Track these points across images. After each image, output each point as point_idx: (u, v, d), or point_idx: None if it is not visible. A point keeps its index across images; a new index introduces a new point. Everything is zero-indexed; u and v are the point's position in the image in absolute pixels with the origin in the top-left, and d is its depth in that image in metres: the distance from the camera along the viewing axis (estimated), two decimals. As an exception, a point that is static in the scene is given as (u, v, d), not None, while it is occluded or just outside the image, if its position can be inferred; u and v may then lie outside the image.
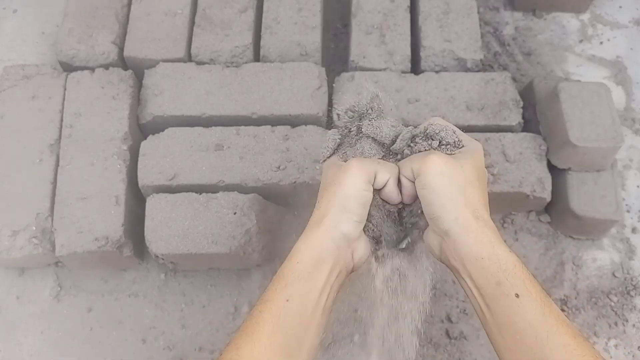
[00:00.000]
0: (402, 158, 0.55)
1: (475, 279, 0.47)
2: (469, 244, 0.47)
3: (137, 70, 0.93)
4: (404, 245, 0.57)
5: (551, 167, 0.87)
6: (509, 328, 0.44)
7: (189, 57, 0.94)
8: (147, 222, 0.81)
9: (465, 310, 0.85)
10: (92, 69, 0.91)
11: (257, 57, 0.96)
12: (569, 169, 0.87)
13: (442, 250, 0.50)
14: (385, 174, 0.52)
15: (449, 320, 0.84)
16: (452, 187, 0.48)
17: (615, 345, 0.84)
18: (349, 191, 0.50)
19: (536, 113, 0.92)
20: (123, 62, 0.95)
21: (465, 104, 0.90)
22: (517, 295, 0.44)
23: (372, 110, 0.56)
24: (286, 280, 0.49)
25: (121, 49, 0.94)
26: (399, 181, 0.53)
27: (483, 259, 0.46)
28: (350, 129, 0.58)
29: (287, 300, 0.48)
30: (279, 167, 0.84)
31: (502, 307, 0.45)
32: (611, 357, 0.83)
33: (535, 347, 0.43)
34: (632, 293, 0.87)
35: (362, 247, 0.53)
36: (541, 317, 0.44)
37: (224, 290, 0.87)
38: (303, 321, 0.49)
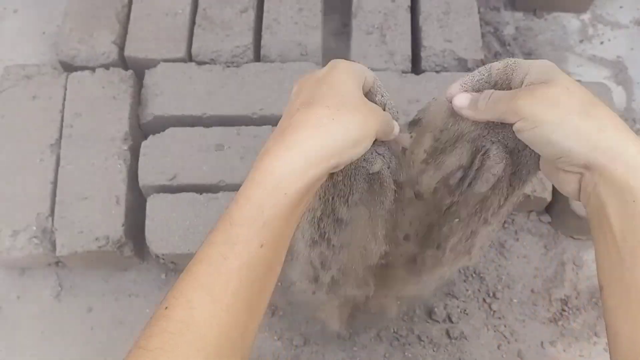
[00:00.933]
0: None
1: (618, 225, 0.39)
2: (618, 179, 0.38)
3: (137, 70, 0.93)
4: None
5: (552, 167, 0.87)
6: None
7: (189, 57, 0.94)
8: (148, 222, 0.81)
9: (465, 310, 0.85)
10: (93, 69, 0.91)
11: (257, 57, 0.96)
12: (570, 169, 0.87)
13: (584, 189, 0.41)
14: (388, 127, 0.43)
15: (449, 320, 0.84)
16: (573, 109, 0.39)
17: (616, 346, 0.84)
18: (346, 88, 0.41)
19: (537, 113, 0.92)
20: (124, 62, 0.95)
21: (465, 104, 0.90)
22: None
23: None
24: (264, 218, 0.37)
25: (122, 49, 0.94)
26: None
27: (635, 202, 0.37)
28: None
29: (262, 246, 0.37)
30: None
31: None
32: (612, 358, 0.83)
33: None
34: (632, 293, 0.87)
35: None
36: None
37: (225, 290, 0.87)
38: (272, 268, 0.39)
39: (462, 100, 0.46)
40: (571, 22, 1.11)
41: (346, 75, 0.43)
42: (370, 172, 0.46)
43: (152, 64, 0.92)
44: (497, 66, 0.45)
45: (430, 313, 0.84)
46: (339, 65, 0.43)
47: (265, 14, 0.96)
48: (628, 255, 0.38)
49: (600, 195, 0.39)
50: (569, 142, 0.38)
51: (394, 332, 0.83)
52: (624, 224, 0.38)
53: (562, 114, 0.38)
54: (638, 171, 0.37)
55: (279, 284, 0.86)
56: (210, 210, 0.81)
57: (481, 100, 0.44)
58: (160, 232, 0.80)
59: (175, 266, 0.86)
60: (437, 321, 0.84)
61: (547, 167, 0.45)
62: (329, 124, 0.39)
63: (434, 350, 0.82)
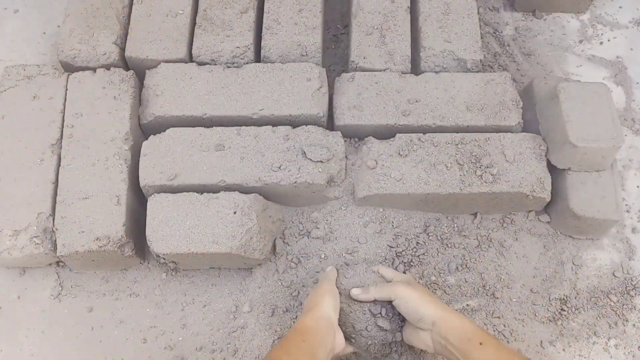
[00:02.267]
0: None
1: (456, 343, 0.67)
2: (448, 322, 0.69)
3: (138, 71, 0.93)
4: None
5: (551, 167, 0.88)
6: None
7: (190, 58, 0.95)
8: (149, 222, 0.81)
9: (465, 309, 0.85)
10: (94, 69, 0.91)
11: (257, 58, 0.96)
12: (569, 169, 0.87)
13: (433, 340, 0.70)
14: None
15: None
16: (423, 296, 0.72)
17: (615, 345, 0.84)
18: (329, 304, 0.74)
19: (536, 113, 0.92)
20: (124, 63, 0.95)
21: (465, 104, 0.90)
22: (480, 343, 0.66)
23: None
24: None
25: (122, 50, 0.94)
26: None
27: (457, 327, 0.69)
28: None
29: None
30: (279, 167, 0.84)
31: (476, 356, 0.66)
32: (611, 357, 0.83)
33: None
34: (631, 293, 0.87)
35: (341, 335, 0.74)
36: (496, 353, 0.66)
37: (225, 290, 0.87)
38: None
39: (356, 290, 0.77)
40: (571, 22, 1.11)
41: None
42: None
43: (152, 64, 0.92)
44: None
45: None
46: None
47: (265, 15, 0.97)
48: (466, 353, 0.67)
49: (444, 335, 0.69)
50: (425, 310, 0.71)
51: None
52: (456, 339, 0.68)
53: (419, 295, 0.72)
54: (453, 319, 0.70)
55: (279, 282, 0.86)
56: (211, 210, 0.81)
57: (371, 287, 0.76)
58: (161, 232, 0.80)
59: (175, 265, 0.86)
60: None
61: (408, 331, 0.75)
62: None
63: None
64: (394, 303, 0.74)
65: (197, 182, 0.84)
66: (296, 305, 0.85)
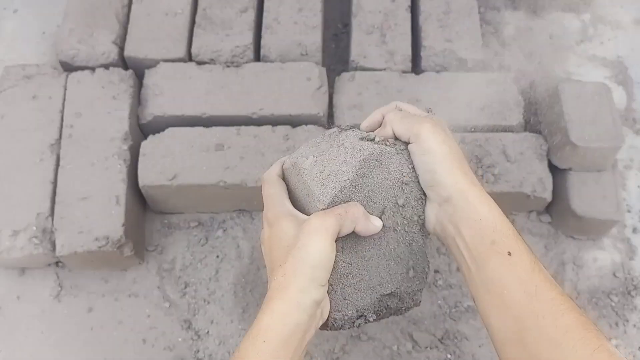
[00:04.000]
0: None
1: (470, 240, 0.48)
2: (468, 207, 0.49)
3: (137, 70, 0.93)
4: None
5: (552, 167, 0.87)
6: (497, 284, 0.46)
7: (189, 57, 0.94)
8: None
9: (465, 309, 0.85)
10: (93, 69, 0.91)
11: (257, 57, 0.96)
12: (570, 169, 0.87)
13: (437, 218, 0.51)
14: (350, 224, 0.48)
15: (449, 320, 0.84)
16: (451, 155, 0.50)
17: (616, 346, 0.84)
18: (317, 259, 0.46)
19: (537, 113, 0.92)
20: (123, 62, 0.95)
21: (465, 104, 0.90)
22: (509, 253, 0.46)
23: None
24: None
25: (122, 49, 0.94)
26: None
27: (480, 220, 0.48)
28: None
29: None
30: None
31: (493, 265, 0.46)
32: (612, 358, 0.83)
33: (522, 301, 0.45)
34: (632, 293, 0.87)
35: (327, 302, 0.51)
36: (530, 274, 0.46)
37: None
38: None
39: (366, 122, 0.57)
40: (571, 22, 1.11)
41: (318, 244, 0.47)
42: None
43: (152, 63, 0.92)
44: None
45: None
46: (312, 231, 0.47)
47: (265, 14, 0.96)
48: (479, 260, 0.47)
49: (455, 221, 0.49)
50: (445, 175, 0.49)
51: (393, 333, 0.83)
52: (474, 238, 0.48)
53: (447, 152, 0.50)
54: (477, 203, 0.49)
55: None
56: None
57: (391, 113, 0.54)
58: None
59: (174, 266, 0.86)
60: (437, 321, 0.84)
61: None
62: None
63: (433, 350, 0.82)
64: (409, 147, 0.52)
65: (197, 182, 0.83)
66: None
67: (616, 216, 0.85)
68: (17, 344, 0.84)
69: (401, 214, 0.52)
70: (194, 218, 0.91)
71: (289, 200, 0.52)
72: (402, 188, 0.52)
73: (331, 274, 0.49)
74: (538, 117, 0.91)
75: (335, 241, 0.48)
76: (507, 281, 0.46)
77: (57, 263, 0.88)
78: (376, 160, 0.51)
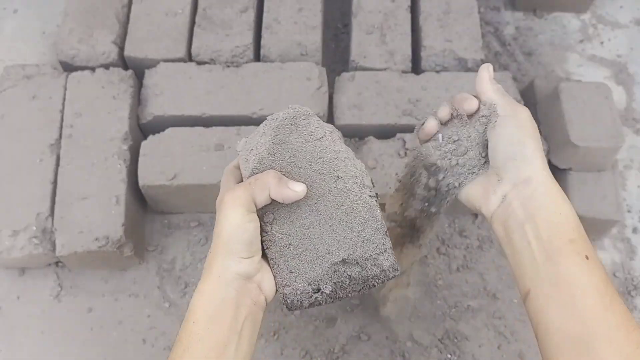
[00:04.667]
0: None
1: (545, 231, 0.46)
2: (551, 196, 0.47)
3: (137, 70, 0.93)
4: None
5: (552, 167, 0.87)
6: (571, 284, 0.44)
7: (189, 57, 0.94)
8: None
9: (465, 309, 0.85)
10: (93, 69, 0.91)
11: (257, 57, 0.96)
12: (570, 169, 0.87)
13: (504, 200, 0.48)
14: (261, 192, 0.47)
15: (449, 320, 0.84)
16: (540, 143, 0.49)
17: (616, 346, 0.84)
18: (228, 231, 0.46)
19: (537, 113, 0.92)
20: (123, 62, 0.95)
21: (465, 104, 0.90)
22: (587, 257, 0.45)
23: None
24: (184, 345, 0.45)
25: (121, 49, 0.94)
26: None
27: (561, 214, 0.46)
28: None
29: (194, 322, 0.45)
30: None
31: (570, 263, 0.45)
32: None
33: (597, 309, 0.43)
34: (632, 293, 0.87)
35: (270, 276, 0.50)
36: (606, 283, 0.44)
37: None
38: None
39: (492, 72, 0.53)
40: (571, 22, 1.11)
41: (228, 217, 0.47)
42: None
43: (152, 63, 0.92)
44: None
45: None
46: (222, 205, 0.47)
47: (265, 14, 0.96)
48: (553, 254, 0.45)
49: (530, 206, 0.47)
50: (531, 153, 0.47)
51: (392, 334, 0.83)
52: (551, 230, 0.45)
53: (537, 137, 0.48)
54: (560, 196, 0.47)
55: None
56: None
57: (492, 85, 0.52)
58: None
59: (174, 266, 0.86)
60: (437, 321, 0.84)
61: (482, 181, 0.52)
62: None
63: (434, 350, 0.82)
64: (501, 118, 0.50)
65: (197, 182, 0.83)
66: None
67: (616, 216, 0.85)
68: (17, 344, 0.84)
69: (335, 174, 0.50)
70: (194, 218, 0.91)
71: (235, 182, 0.52)
72: (329, 147, 0.50)
73: (271, 248, 0.49)
74: (538, 117, 0.91)
75: (265, 213, 0.48)
76: (583, 284, 0.44)
77: (57, 263, 0.88)
78: (291, 124, 0.51)
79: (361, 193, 0.51)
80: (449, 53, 0.94)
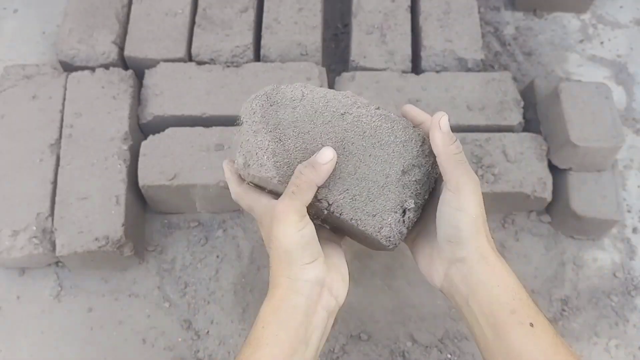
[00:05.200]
0: None
1: (487, 306, 0.46)
2: (486, 271, 0.47)
3: (137, 70, 0.93)
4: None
5: (552, 167, 0.87)
6: (521, 356, 0.44)
7: (189, 57, 0.94)
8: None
9: (465, 310, 0.85)
10: (93, 69, 0.91)
11: (257, 57, 0.96)
12: (570, 169, 0.87)
13: (447, 276, 0.50)
14: (308, 191, 0.47)
15: (449, 320, 0.84)
16: (481, 218, 0.48)
17: (616, 346, 0.84)
18: (287, 243, 0.46)
19: (537, 113, 0.92)
20: (123, 62, 0.95)
21: (466, 104, 0.90)
22: (531, 325, 0.45)
23: None
24: (252, 348, 0.46)
25: (121, 49, 0.94)
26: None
27: (499, 286, 0.47)
28: None
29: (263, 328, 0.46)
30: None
31: (515, 336, 0.45)
32: (612, 358, 0.83)
33: None
34: (632, 293, 0.87)
35: (337, 277, 0.50)
36: (555, 348, 0.44)
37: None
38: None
39: (446, 125, 0.50)
40: (571, 22, 1.11)
41: (284, 229, 0.48)
42: None
43: (152, 63, 0.92)
44: None
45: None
46: (277, 217, 0.48)
47: (265, 14, 0.96)
48: (499, 328, 0.45)
49: (470, 283, 0.47)
50: (467, 237, 0.47)
51: (392, 333, 0.83)
52: (492, 305, 0.46)
53: (477, 216, 0.47)
54: (496, 269, 0.48)
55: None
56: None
57: (453, 145, 0.49)
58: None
59: (174, 266, 0.86)
60: (437, 321, 0.84)
61: (421, 244, 0.53)
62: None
63: (434, 350, 0.82)
64: (443, 195, 0.49)
65: (197, 182, 0.83)
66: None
67: (616, 216, 0.85)
68: (17, 344, 0.84)
69: (338, 113, 0.51)
70: (194, 218, 0.91)
71: (264, 195, 0.52)
72: (315, 99, 0.52)
73: (343, 214, 0.49)
74: (538, 117, 0.91)
75: (317, 199, 0.49)
76: (532, 354, 0.44)
77: (57, 263, 0.88)
78: (270, 105, 0.52)
79: (368, 111, 0.52)
80: (449, 53, 0.94)
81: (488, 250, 0.48)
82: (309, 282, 0.47)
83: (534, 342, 0.44)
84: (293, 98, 0.52)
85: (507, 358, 0.45)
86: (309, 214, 0.48)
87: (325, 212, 0.50)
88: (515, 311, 0.45)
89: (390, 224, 0.51)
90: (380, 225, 0.50)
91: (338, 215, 0.50)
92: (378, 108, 0.53)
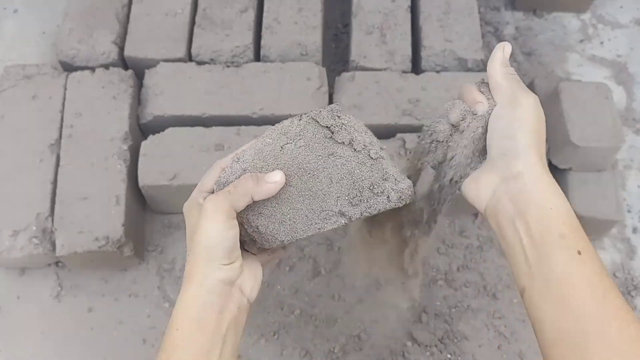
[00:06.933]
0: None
1: (535, 227, 0.44)
2: (540, 190, 0.45)
3: (137, 70, 0.93)
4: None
5: (552, 167, 0.87)
6: (563, 281, 0.43)
7: (189, 57, 0.94)
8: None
9: (465, 309, 0.85)
10: (93, 69, 0.91)
11: (257, 57, 0.96)
12: (570, 169, 0.87)
13: (495, 194, 0.47)
14: (243, 197, 0.48)
15: (449, 320, 0.84)
16: (538, 134, 0.47)
17: (616, 346, 0.84)
18: (209, 240, 0.46)
19: (537, 113, 0.92)
20: (123, 62, 0.95)
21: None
22: (579, 252, 0.43)
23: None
24: (168, 353, 0.45)
25: (121, 49, 0.94)
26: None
27: (551, 208, 0.45)
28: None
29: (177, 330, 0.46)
30: (279, 167, 0.84)
31: (561, 260, 0.43)
32: (612, 358, 0.83)
33: (589, 304, 0.42)
34: (632, 293, 0.87)
35: (250, 278, 0.50)
36: (599, 277, 0.43)
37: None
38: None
39: (508, 52, 0.51)
40: (571, 22, 1.11)
41: (209, 224, 0.47)
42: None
43: (152, 63, 0.92)
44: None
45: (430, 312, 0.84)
46: (204, 213, 0.47)
47: (265, 14, 0.96)
48: (544, 251, 0.44)
49: (519, 201, 0.45)
50: (523, 149, 0.46)
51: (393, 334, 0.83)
52: (541, 226, 0.44)
53: (535, 131, 0.47)
54: (550, 190, 0.46)
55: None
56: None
57: (511, 68, 0.50)
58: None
59: (174, 266, 0.86)
60: (437, 321, 0.84)
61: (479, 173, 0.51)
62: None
63: (433, 350, 0.82)
64: (497, 108, 0.49)
65: (197, 182, 0.83)
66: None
67: (616, 216, 0.85)
68: (17, 344, 0.84)
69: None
70: (194, 218, 0.91)
71: (203, 194, 0.52)
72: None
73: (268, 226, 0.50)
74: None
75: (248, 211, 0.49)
76: (575, 280, 0.43)
77: (57, 263, 0.88)
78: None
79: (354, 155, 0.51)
80: (449, 53, 0.94)
81: (543, 171, 0.46)
82: (221, 281, 0.47)
83: (578, 269, 0.43)
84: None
85: (548, 282, 0.44)
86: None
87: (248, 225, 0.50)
88: (565, 236, 0.44)
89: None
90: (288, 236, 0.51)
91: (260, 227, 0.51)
92: (382, 149, 0.51)
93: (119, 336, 0.84)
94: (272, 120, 0.88)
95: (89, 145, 0.85)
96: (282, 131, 0.52)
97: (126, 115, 0.87)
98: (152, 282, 0.87)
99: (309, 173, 0.50)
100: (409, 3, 0.98)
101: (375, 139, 0.52)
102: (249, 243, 0.52)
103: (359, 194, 0.50)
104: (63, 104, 0.89)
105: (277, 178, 0.49)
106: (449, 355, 0.82)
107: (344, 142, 0.50)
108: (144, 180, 0.84)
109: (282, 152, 0.51)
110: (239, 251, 0.48)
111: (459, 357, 0.82)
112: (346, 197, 0.50)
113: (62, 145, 0.86)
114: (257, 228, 0.50)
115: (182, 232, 0.90)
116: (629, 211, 0.94)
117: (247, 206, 0.49)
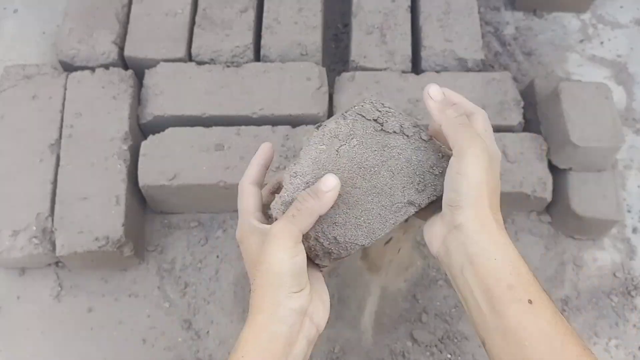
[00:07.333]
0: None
1: (483, 278, 0.44)
2: (484, 242, 0.45)
3: (137, 70, 0.93)
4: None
5: (552, 167, 0.87)
6: (518, 334, 0.42)
7: (189, 57, 0.94)
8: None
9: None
10: (93, 69, 0.91)
11: (257, 57, 0.96)
12: (570, 169, 0.87)
13: (444, 242, 0.47)
14: (309, 218, 0.46)
15: (449, 320, 0.84)
16: (486, 184, 0.46)
17: (616, 346, 0.84)
18: (280, 268, 0.45)
19: (537, 113, 0.92)
20: (123, 62, 0.95)
21: (465, 104, 0.90)
22: (530, 301, 0.43)
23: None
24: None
25: (121, 49, 0.94)
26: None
27: (496, 260, 0.44)
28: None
29: None
30: (278, 167, 0.84)
31: (513, 312, 0.43)
32: (612, 358, 0.83)
33: (547, 356, 0.41)
34: (632, 293, 0.87)
35: (320, 305, 0.49)
36: (554, 326, 0.42)
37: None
38: None
39: (437, 93, 0.51)
40: (571, 22, 1.11)
41: (278, 253, 0.46)
42: None
43: (152, 63, 0.92)
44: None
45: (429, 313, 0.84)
46: (272, 240, 0.46)
47: (265, 14, 0.96)
48: (496, 303, 0.43)
49: (467, 253, 0.45)
50: (467, 203, 0.45)
51: (393, 334, 0.83)
52: (489, 278, 0.44)
53: (479, 182, 0.46)
54: (496, 240, 0.45)
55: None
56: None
57: (450, 109, 0.49)
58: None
59: (174, 266, 0.86)
60: (437, 321, 0.84)
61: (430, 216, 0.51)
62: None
63: (433, 350, 0.82)
64: (451, 160, 0.48)
65: (197, 182, 0.83)
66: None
67: (616, 216, 0.85)
68: (17, 344, 0.84)
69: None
70: (194, 218, 0.91)
71: (259, 211, 0.51)
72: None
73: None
74: (538, 117, 0.91)
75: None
76: (530, 332, 0.42)
77: (57, 263, 0.88)
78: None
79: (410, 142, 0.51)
80: (449, 53, 0.94)
81: (489, 220, 0.45)
82: (294, 311, 0.45)
83: (532, 320, 0.42)
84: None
85: (504, 335, 0.43)
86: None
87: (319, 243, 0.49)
88: (513, 287, 0.43)
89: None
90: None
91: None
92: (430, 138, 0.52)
93: (119, 336, 0.84)
94: (272, 121, 0.88)
95: (89, 145, 0.85)
96: (332, 134, 0.51)
97: (126, 115, 0.87)
98: (152, 282, 0.87)
99: (370, 170, 0.50)
100: (409, 3, 0.98)
101: (415, 120, 0.52)
102: (322, 257, 0.50)
103: (422, 180, 0.50)
104: (63, 104, 0.89)
105: (332, 184, 0.47)
106: (449, 355, 0.82)
107: (395, 131, 0.50)
108: (144, 180, 0.84)
109: (338, 155, 0.50)
110: (307, 277, 0.47)
111: (459, 357, 0.82)
112: (411, 186, 0.50)
113: (62, 145, 0.86)
114: (335, 238, 0.49)
115: (182, 232, 0.90)
116: (629, 211, 0.94)
117: (317, 220, 0.48)
